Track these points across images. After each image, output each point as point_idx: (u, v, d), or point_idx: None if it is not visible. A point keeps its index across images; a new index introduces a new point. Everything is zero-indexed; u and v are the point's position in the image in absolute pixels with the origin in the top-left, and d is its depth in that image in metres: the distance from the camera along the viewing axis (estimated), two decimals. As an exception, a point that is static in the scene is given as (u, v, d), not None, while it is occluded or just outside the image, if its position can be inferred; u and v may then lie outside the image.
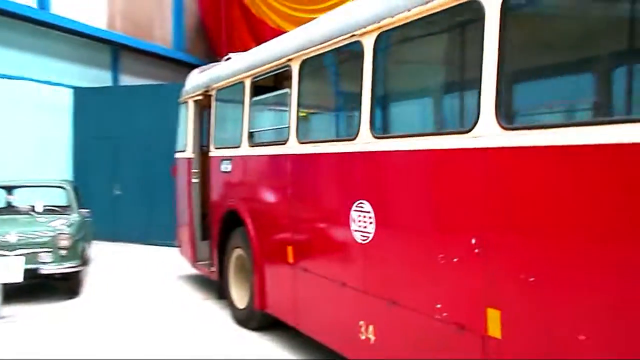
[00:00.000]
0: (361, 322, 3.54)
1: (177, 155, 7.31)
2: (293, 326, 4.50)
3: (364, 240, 3.47)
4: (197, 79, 6.82)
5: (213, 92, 6.04)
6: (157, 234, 10.04)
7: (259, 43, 13.19)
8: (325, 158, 3.98)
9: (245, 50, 12.25)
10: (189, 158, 6.76)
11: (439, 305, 2.90)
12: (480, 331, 2.64)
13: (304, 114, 4.43)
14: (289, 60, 4.36)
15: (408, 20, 3.09)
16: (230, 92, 5.62)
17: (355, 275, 3.59)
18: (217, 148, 5.94)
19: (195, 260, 6.78)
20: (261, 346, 4.85)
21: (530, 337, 2.41)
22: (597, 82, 2.90)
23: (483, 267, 2.63)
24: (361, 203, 3.48)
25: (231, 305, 5.65)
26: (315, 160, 4.11)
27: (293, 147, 4.31)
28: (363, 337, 3.53)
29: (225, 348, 4.81)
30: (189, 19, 14.44)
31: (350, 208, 3.58)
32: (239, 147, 5.27)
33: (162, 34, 13.82)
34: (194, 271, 7.33)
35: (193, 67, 7.91)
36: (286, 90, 4.44)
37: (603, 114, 2.73)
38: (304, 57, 4.18)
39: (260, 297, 4.93)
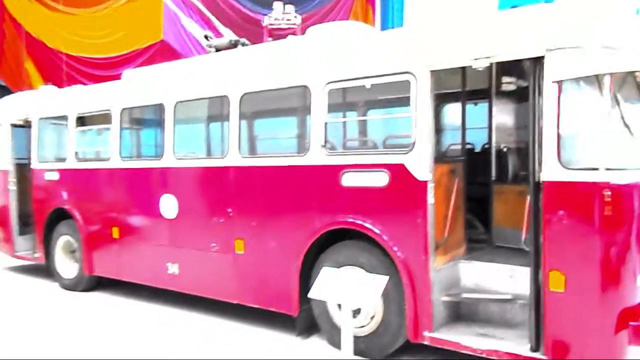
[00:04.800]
0: (168, 264, 6.23)
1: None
2: (116, 278, 6.92)
3: (170, 217, 6.18)
4: (13, 106, 8.49)
5: (34, 119, 7.92)
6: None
7: (36, 60, 13.98)
8: (140, 171, 6.55)
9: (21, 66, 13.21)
10: (5, 170, 8.38)
11: (214, 244, 5.80)
12: (233, 251, 5.63)
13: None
14: (111, 107, 6.79)
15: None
16: (53, 120, 7.67)
17: (164, 237, 6.27)
18: (40, 162, 7.85)
19: (13, 251, 8.43)
20: (93, 299, 7.09)
21: (256, 249, 5.48)
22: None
23: (234, 221, 5.61)
24: (168, 195, 6.19)
25: (59, 277, 7.67)
26: (131, 173, 6.65)
27: (115, 163, 6.74)
28: (170, 272, 6.23)
29: (66, 305, 6.91)
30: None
31: (159, 199, 6.25)
32: (65, 161, 7.41)
33: None
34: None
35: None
36: (108, 125, 6.84)
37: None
38: (124, 107, 6.69)
39: (89, 265, 7.17)
